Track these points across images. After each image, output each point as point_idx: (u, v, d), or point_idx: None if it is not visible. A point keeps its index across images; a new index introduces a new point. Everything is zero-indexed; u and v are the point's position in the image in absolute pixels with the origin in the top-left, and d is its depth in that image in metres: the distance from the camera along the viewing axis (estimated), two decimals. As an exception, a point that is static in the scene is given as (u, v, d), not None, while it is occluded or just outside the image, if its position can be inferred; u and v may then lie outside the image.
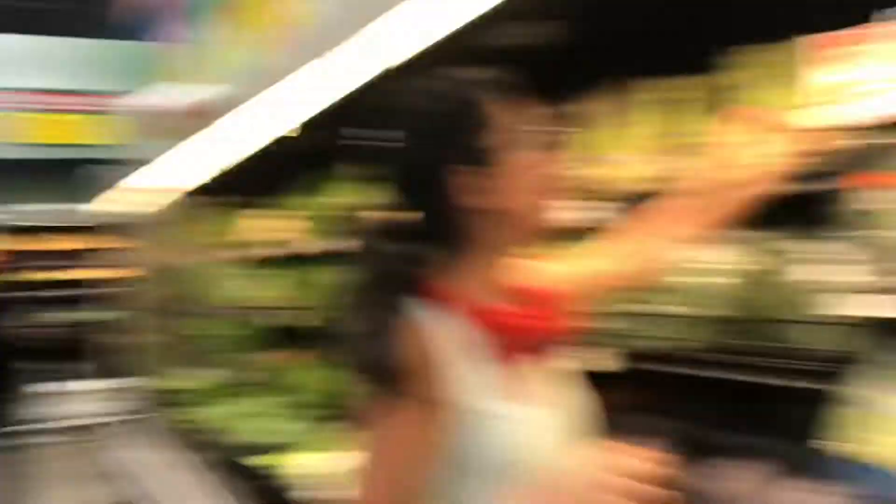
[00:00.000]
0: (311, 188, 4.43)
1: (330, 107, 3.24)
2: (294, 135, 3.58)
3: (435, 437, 1.16)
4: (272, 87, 3.27)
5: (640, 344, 2.13)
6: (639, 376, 2.45)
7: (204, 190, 5.88)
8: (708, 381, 1.96)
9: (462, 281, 1.27)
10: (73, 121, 10.20)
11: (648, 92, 2.18)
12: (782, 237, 1.90)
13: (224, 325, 5.85)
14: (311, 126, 3.55)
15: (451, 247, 1.26)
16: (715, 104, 1.92)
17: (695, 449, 2.13)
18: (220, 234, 5.88)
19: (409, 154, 1.26)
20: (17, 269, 10.15)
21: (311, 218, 4.38)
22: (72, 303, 10.10)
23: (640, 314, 2.13)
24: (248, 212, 5.61)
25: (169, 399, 5.80)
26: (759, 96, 1.82)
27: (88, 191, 7.09)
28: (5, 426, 4.43)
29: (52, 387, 9.01)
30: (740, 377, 1.86)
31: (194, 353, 6.35)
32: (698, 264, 1.96)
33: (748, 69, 1.89)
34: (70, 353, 9.48)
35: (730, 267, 1.93)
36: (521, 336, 1.25)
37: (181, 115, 3.90)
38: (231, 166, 4.75)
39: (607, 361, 2.18)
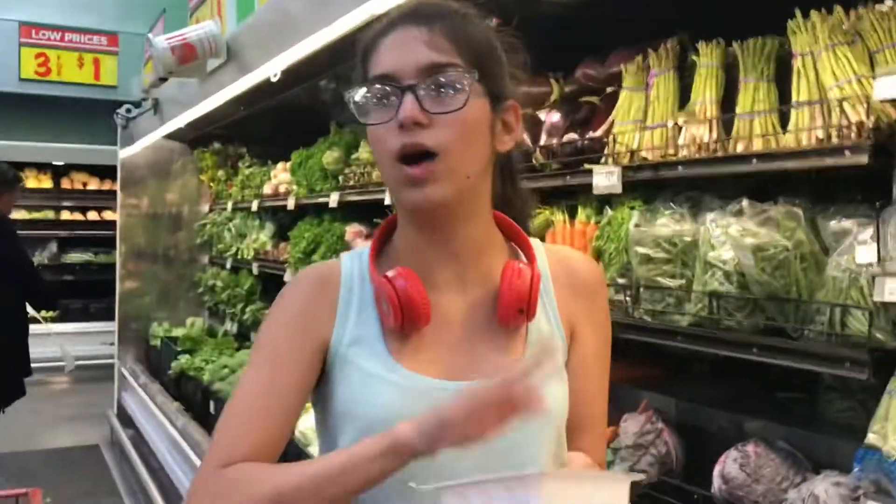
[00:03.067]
0: (303, 140, 4.24)
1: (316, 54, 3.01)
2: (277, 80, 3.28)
3: (311, 368, 1.12)
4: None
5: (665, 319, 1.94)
6: (648, 351, 2.25)
7: (206, 137, 5.76)
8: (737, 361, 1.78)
9: (396, 239, 1.19)
10: (100, 60, 9.94)
11: (705, 55, 2.00)
12: (831, 213, 1.59)
13: (220, 274, 5.68)
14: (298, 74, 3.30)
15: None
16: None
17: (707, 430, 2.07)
18: (221, 183, 5.70)
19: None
20: (49, 208, 9.98)
21: (302, 172, 4.18)
22: (100, 244, 9.90)
23: (661, 287, 1.80)
24: (249, 160, 5.51)
25: (163, 344, 5.63)
26: (822, 63, 1.68)
27: (117, 132, 6.91)
28: (25, 369, 4.23)
29: (67, 326, 8.95)
30: (776, 361, 1.68)
31: (192, 301, 6.25)
32: (737, 239, 1.62)
33: (813, 33, 1.70)
34: (91, 294, 9.33)
35: (770, 242, 1.58)
36: (407, 309, 1.09)
37: (185, 55, 3.58)
38: (231, 114, 4.51)
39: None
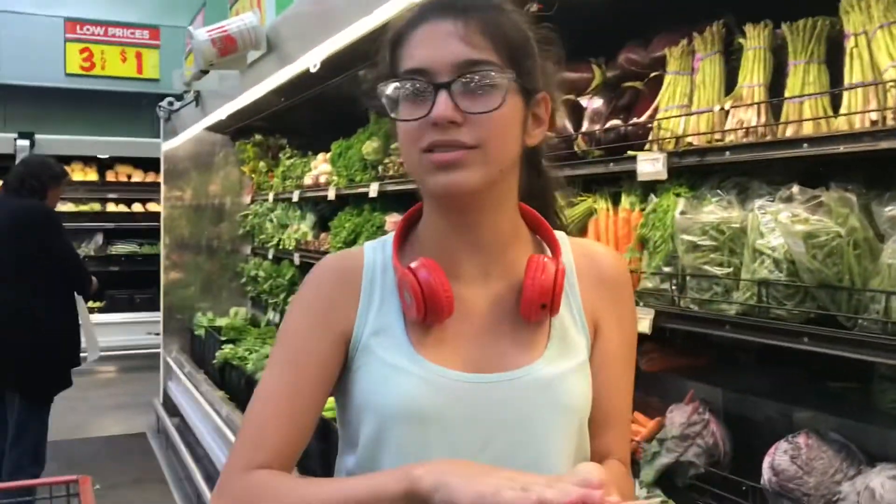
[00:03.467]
0: (342, 131, 4.24)
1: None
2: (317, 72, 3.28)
3: (334, 361, 1.11)
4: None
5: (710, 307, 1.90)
6: (694, 341, 2.21)
7: (248, 129, 5.80)
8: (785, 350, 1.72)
9: (420, 229, 1.18)
10: (143, 54, 10.07)
11: (752, 37, 1.95)
12: (886, 199, 1.55)
13: (263, 264, 5.73)
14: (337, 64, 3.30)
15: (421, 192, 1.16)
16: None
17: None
18: (263, 174, 5.73)
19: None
20: (95, 200, 10.15)
21: (342, 162, 4.18)
22: (144, 235, 10.06)
23: (708, 275, 1.75)
24: (290, 152, 5.53)
25: (207, 334, 5.69)
26: (876, 42, 1.62)
27: (159, 125, 7.01)
28: (74, 360, 4.35)
29: (113, 317, 9.13)
30: (828, 350, 1.62)
31: (235, 291, 6.31)
32: (787, 225, 1.57)
33: (867, 12, 1.64)
34: (137, 285, 9.47)
35: (822, 229, 1.53)
36: (430, 300, 1.07)
37: (225, 47, 3.60)
38: (271, 105, 4.53)
39: (641, 322, 1.97)
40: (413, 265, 1.08)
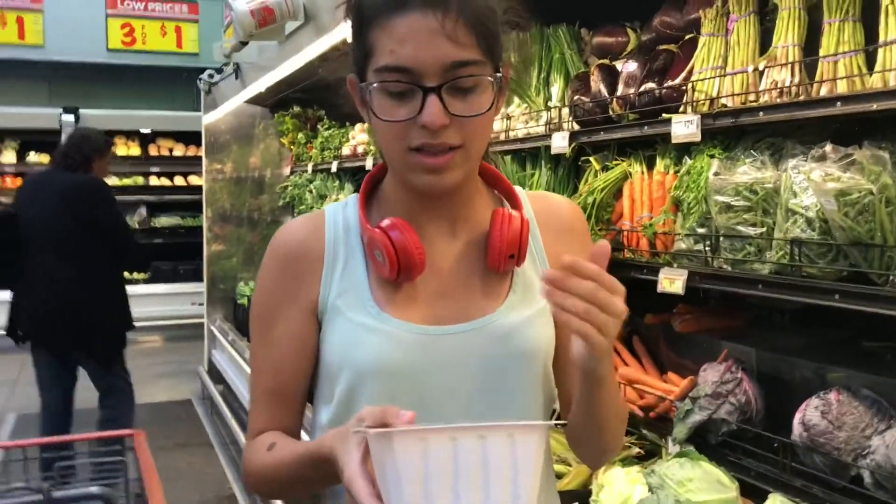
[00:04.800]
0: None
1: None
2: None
3: (308, 330, 1.16)
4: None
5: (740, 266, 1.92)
6: (727, 301, 2.22)
7: (286, 101, 5.85)
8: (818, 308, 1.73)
9: (385, 189, 1.20)
10: (182, 28, 10.18)
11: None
12: None
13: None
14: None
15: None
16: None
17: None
18: (302, 145, 5.79)
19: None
20: (139, 174, 10.34)
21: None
22: (187, 208, 10.23)
23: (741, 236, 1.78)
24: (328, 123, 5.57)
25: (249, 303, 5.78)
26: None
27: (199, 99, 7.11)
28: (128, 324, 4.60)
29: (157, 287, 9.32)
30: (860, 307, 1.61)
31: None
32: (819, 184, 1.59)
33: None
34: (180, 256, 9.65)
35: (854, 187, 1.54)
36: (403, 259, 1.09)
37: (264, 18, 3.65)
38: (309, 76, 4.56)
39: (675, 283, 2.01)
40: (384, 224, 1.10)
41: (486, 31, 1.03)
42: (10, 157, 9.55)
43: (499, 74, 1.07)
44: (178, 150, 10.57)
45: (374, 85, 1.04)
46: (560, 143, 2.49)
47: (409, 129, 1.03)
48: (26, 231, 4.25)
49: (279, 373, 1.17)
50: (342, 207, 1.21)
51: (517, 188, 1.23)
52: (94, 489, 1.33)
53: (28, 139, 9.67)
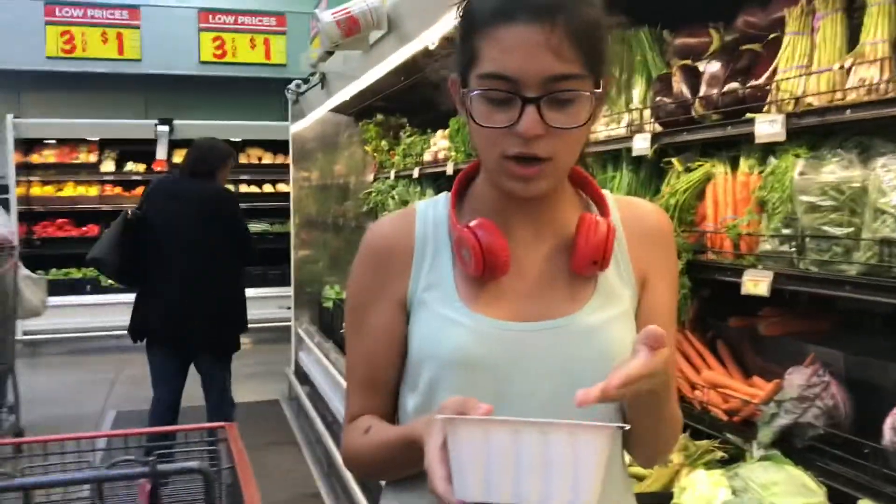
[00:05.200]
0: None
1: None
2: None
3: (397, 321, 1.20)
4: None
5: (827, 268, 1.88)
6: (814, 303, 2.17)
7: (370, 110, 5.96)
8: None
9: (476, 189, 1.24)
10: (270, 40, 10.47)
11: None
12: None
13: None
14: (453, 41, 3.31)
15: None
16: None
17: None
18: (385, 152, 5.89)
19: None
20: (230, 182, 10.53)
21: (459, 138, 4.29)
22: (275, 214, 10.49)
23: (828, 236, 1.75)
24: (409, 130, 5.66)
25: (335, 306, 5.92)
26: None
27: (287, 109, 7.33)
28: (244, 325, 4.91)
29: (247, 291, 9.56)
30: None
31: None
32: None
33: None
34: (268, 261, 9.88)
35: None
36: (489, 259, 1.13)
37: (349, 28, 3.74)
38: (392, 85, 4.65)
39: (759, 285, 1.99)
40: (472, 224, 1.14)
41: (589, 45, 1.05)
42: (109, 166, 9.99)
43: (598, 90, 1.08)
44: (267, 159, 10.85)
45: (476, 91, 1.07)
46: (642, 144, 2.49)
47: (506, 137, 1.06)
48: (157, 234, 4.47)
49: (372, 362, 1.23)
50: (433, 204, 1.25)
51: (605, 192, 1.25)
52: (193, 464, 1.41)
53: (126, 149, 10.09)
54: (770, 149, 2.14)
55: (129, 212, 4.49)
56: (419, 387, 1.19)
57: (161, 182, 4.79)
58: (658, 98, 2.50)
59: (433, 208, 1.25)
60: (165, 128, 9.86)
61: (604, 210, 1.21)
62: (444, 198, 1.25)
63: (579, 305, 1.17)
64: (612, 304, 1.18)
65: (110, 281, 9.47)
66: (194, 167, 4.66)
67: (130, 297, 9.66)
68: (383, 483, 1.32)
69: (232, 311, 4.72)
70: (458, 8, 1.14)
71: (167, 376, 4.58)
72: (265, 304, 9.54)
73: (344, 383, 4.48)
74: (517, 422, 0.90)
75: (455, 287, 1.18)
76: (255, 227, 10.73)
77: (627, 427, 0.97)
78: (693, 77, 2.44)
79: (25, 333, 8.80)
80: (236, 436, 1.76)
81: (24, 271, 5.63)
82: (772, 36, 2.23)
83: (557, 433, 0.89)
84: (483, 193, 1.22)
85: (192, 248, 4.47)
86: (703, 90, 2.36)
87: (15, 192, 9.40)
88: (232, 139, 10.52)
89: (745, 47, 2.32)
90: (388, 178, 5.86)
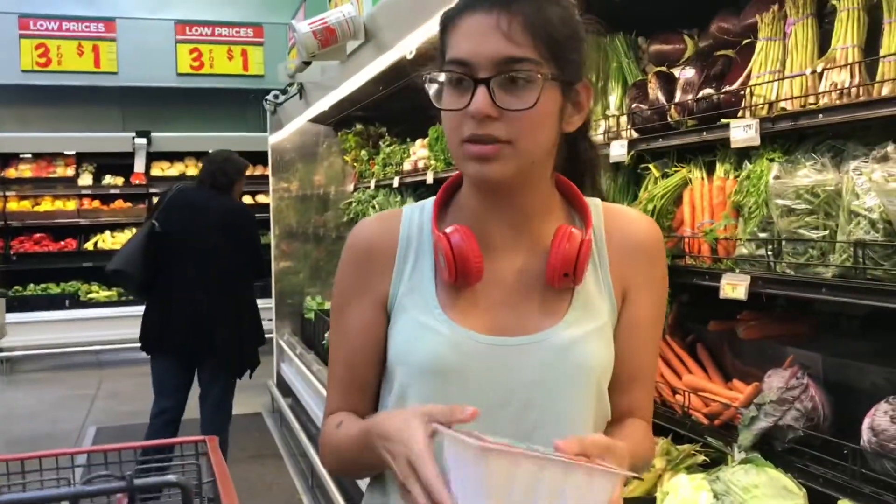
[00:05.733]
0: (439, 116, 4.33)
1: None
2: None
3: (378, 322, 1.22)
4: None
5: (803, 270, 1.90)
6: (791, 306, 2.19)
7: (349, 119, 5.96)
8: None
9: (459, 197, 1.24)
10: (248, 51, 10.45)
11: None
12: None
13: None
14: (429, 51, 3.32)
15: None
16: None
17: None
18: (364, 162, 5.90)
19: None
20: None
21: (439, 146, 4.30)
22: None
23: (803, 239, 1.76)
24: (389, 139, 5.67)
25: (317, 317, 5.91)
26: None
27: (265, 120, 7.31)
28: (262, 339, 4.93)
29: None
30: None
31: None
32: (882, 185, 1.57)
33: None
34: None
35: None
36: (461, 265, 1.14)
37: (326, 38, 3.74)
38: (370, 94, 4.65)
39: (737, 289, 1.99)
40: (448, 230, 1.16)
41: (546, 34, 1.08)
42: (87, 179, 9.92)
43: (557, 80, 1.09)
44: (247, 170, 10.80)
45: (438, 75, 1.11)
46: (618, 151, 2.50)
47: (464, 120, 1.09)
48: (178, 245, 4.45)
49: (351, 361, 1.25)
50: (419, 209, 1.26)
51: (593, 201, 1.25)
52: (172, 478, 1.39)
53: (103, 162, 10.02)
54: (745, 153, 2.16)
55: (155, 223, 4.45)
56: (394, 387, 1.20)
57: (180, 193, 4.72)
58: (634, 105, 2.52)
59: (419, 213, 1.25)
60: (143, 140, 9.81)
61: (586, 222, 1.21)
62: (430, 203, 1.26)
63: (555, 320, 1.17)
64: (589, 319, 1.18)
65: (90, 296, 9.54)
66: (214, 179, 4.65)
67: (110, 311, 9.61)
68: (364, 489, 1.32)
69: (252, 323, 4.76)
70: (439, 26, 1.17)
71: (172, 389, 4.54)
72: (246, 316, 9.47)
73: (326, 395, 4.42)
74: (544, 458, 0.91)
75: (435, 294, 1.18)
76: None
77: (640, 477, 0.99)
78: (668, 83, 2.46)
79: (2, 350, 8.71)
80: (217, 450, 1.74)
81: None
82: (745, 42, 2.25)
83: (577, 473, 0.92)
84: (465, 202, 1.23)
85: (213, 261, 4.47)
86: (678, 96, 2.38)
87: (-9, 208, 9.32)
88: (210, 150, 10.51)
89: (719, 53, 2.34)
90: (368, 187, 5.86)
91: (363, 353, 1.23)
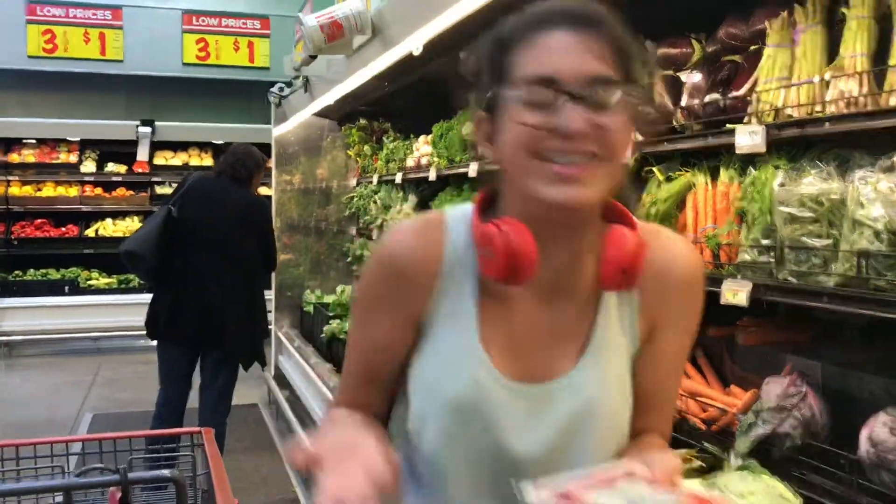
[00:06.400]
0: (443, 114, 4.32)
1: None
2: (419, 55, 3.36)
3: (405, 341, 1.17)
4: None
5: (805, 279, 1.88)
6: (792, 314, 2.17)
7: (353, 114, 5.94)
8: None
9: (500, 209, 1.15)
10: (254, 43, 10.43)
11: (856, 6, 1.88)
12: None
13: (368, 244, 5.88)
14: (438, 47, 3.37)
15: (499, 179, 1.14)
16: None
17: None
18: (367, 157, 5.88)
19: (469, 84, 1.15)
20: None
21: (443, 143, 4.28)
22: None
23: (806, 247, 1.75)
24: (393, 135, 5.66)
25: (316, 310, 5.90)
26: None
27: (270, 112, 7.28)
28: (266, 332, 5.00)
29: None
30: None
31: (342, 270, 6.51)
32: (888, 195, 1.56)
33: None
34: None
35: None
36: (515, 258, 1.06)
37: (333, 32, 3.73)
38: (376, 90, 4.64)
39: (738, 295, 1.99)
40: (497, 221, 1.07)
41: (625, 55, 1.06)
42: (90, 167, 9.90)
43: (635, 98, 1.07)
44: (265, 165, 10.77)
45: (515, 94, 1.05)
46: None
47: (547, 139, 1.03)
48: (195, 234, 4.44)
49: (369, 362, 1.22)
50: (463, 218, 1.17)
51: (640, 223, 1.17)
52: (166, 472, 1.38)
53: (106, 150, 10.00)
54: (750, 159, 2.15)
55: (172, 208, 4.44)
56: (411, 409, 1.17)
57: (199, 181, 4.71)
58: (639, 108, 2.50)
59: (464, 223, 1.16)
60: (147, 129, 9.78)
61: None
62: (470, 212, 1.16)
63: (573, 363, 1.15)
64: (608, 357, 1.16)
65: (90, 282, 9.53)
66: (234, 171, 4.64)
67: (110, 298, 9.59)
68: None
69: (261, 316, 4.76)
70: (481, 40, 1.11)
71: (180, 377, 4.54)
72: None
73: (324, 388, 4.46)
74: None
75: (475, 322, 1.13)
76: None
77: None
78: (675, 87, 2.44)
79: (2, 335, 8.70)
80: (212, 441, 1.73)
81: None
82: (753, 48, 2.24)
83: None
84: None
85: (227, 251, 4.47)
86: (684, 100, 2.36)
87: (-7, 192, 9.32)
88: (214, 141, 10.49)
89: (726, 58, 2.33)
90: (370, 182, 5.85)
91: (383, 358, 1.20)
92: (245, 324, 4.56)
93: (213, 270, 4.44)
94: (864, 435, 1.75)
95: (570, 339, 1.15)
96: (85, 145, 10.01)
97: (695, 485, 1.92)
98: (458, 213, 1.18)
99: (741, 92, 2.16)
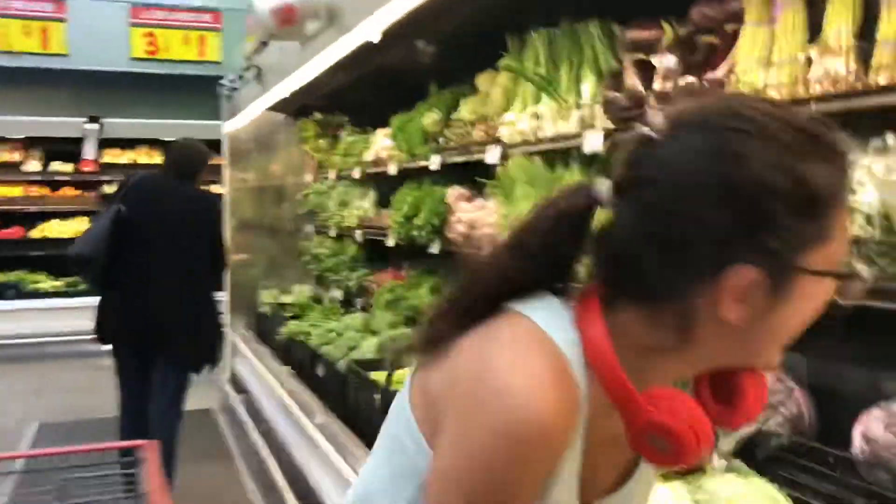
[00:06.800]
0: (402, 106, 4.21)
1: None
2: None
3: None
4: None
5: None
6: None
7: (308, 108, 5.80)
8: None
9: (625, 347, 0.93)
10: (205, 37, 10.18)
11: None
12: None
13: (325, 242, 5.74)
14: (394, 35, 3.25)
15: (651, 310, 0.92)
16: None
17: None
18: (324, 152, 5.74)
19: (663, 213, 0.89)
20: None
21: (402, 136, 4.15)
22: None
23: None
24: (350, 129, 5.52)
25: (272, 311, 5.74)
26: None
27: (221, 107, 7.07)
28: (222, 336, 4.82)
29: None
30: None
31: (298, 269, 6.35)
32: (881, 178, 1.47)
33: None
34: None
35: None
36: (698, 452, 0.89)
37: (286, 17, 3.58)
38: (331, 81, 4.50)
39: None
40: (653, 394, 0.91)
41: None
42: (34, 165, 9.57)
43: None
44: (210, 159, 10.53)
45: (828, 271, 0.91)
46: (595, 142, 2.38)
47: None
48: (142, 234, 4.23)
49: None
50: (573, 346, 0.93)
51: None
52: (103, 498, 1.24)
53: (52, 148, 9.68)
54: (729, 144, 2.06)
55: (122, 208, 4.23)
56: None
57: (144, 180, 4.54)
58: (610, 94, 2.40)
59: (574, 349, 0.93)
60: (94, 126, 9.49)
61: None
62: (581, 365, 0.93)
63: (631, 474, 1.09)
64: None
65: (37, 285, 9.19)
66: (181, 168, 4.47)
67: (56, 302, 9.31)
68: None
69: (212, 317, 4.57)
70: (788, 177, 0.86)
71: (137, 381, 4.34)
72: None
73: (280, 391, 4.29)
74: None
75: (576, 471, 0.97)
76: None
77: None
78: (646, 72, 2.34)
79: (-57, 341, 8.37)
80: (155, 458, 1.58)
81: None
82: (729, 27, 2.14)
83: None
84: (633, 362, 0.93)
85: (176, 251, 4.30)
86: (658, 85, 2.26)
87: (-69, 193, 8.95)
88: (163, 139, 10.21)
89: (703, 39, 2.23)
90: (327, 178, 5.69)
91: None
92: (192, 326, 4.37)
93: (160, 270, 4.26)
94: (857, 431, 1.66)
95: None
96: (29, 143, 9.68)
97: (678, 487, 1.82)
98: (562, 335, 0.93)
99: (719, 73, 2.06)
